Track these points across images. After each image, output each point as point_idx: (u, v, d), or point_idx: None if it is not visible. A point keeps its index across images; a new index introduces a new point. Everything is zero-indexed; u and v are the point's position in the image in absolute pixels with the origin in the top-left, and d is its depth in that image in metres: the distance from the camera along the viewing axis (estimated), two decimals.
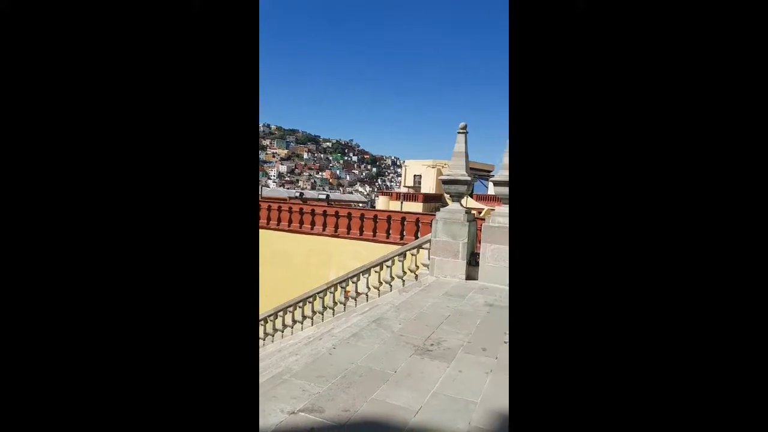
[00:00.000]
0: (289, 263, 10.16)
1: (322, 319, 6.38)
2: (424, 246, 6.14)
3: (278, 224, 10.55)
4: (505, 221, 5.57)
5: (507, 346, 3.47)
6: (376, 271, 6.15)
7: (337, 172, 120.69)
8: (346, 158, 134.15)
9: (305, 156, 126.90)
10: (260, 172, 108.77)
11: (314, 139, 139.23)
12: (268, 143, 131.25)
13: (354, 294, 6.23)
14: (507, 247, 5.37)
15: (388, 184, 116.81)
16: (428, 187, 29.44)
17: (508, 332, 3.78)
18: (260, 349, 6.57)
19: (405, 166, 33.44)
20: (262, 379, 3.77)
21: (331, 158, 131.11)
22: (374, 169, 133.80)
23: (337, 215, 10.06)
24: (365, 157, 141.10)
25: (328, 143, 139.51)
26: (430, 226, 6.08)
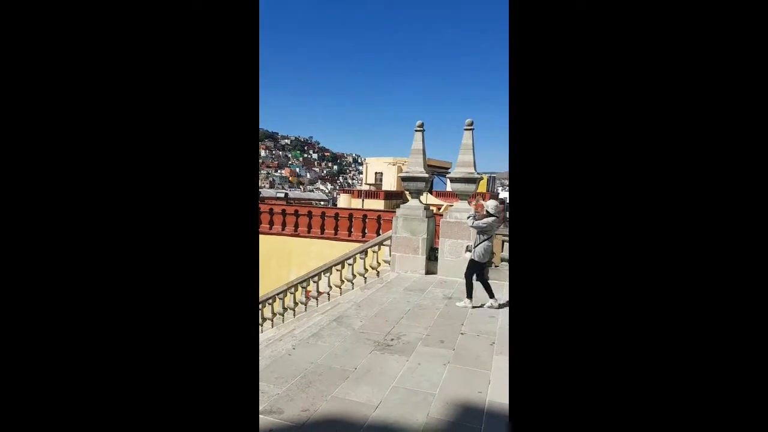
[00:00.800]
0: None
1: (283, 321, 6.27)
2: (385, 243, 6.19)
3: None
4: (462, 216, 5.73)
5: (463, 336, 3.58)
6: (337, 270, 6.12)
7: (297, 169, 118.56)
8: (305, 155, 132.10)
9: (263, 153, 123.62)
10: None
11: (272, 136, 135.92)
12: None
13: (315, 294, 6.17)
14: (464, 242, 5.53)
15: (350, 181, 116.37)
16: (389, 184, 29.63)
17: (463, 324, 3.91)
18: None
19: (366, 163, 33.41)
20: None
21: (290, 156, 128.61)
22: (335, 167, 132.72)
23: (296, 214, 9.91)
24: (326, 154, 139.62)
25: (286, 140, 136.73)
26: (392, 223, 6.14)
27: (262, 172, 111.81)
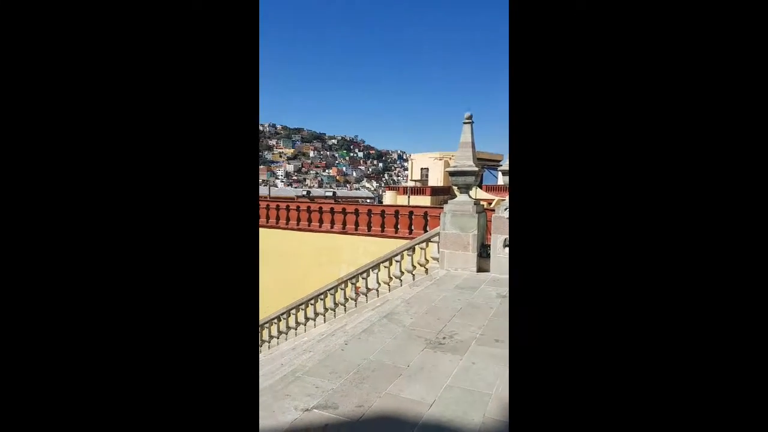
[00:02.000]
0: (299, 261, 10.21)
1: (335, 316, 6.40)
2: (433, 239, 6.11)
3: (287, 223, 10.60)
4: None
5: None
6: (385, 267, 6.14)
7: (343, 168, 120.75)
8: (351, 154, 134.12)
9: (311, 154, 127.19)
10: (268, 172, 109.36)
11: (320, 137, 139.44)
12: (274, 143, 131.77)
13: (365, 290, 6.23)
14: None
15: (395, 178, 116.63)
16: (436, 180, 29.30)
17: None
18: (274, 347, 6.63)
19: (411, 159, 33.23)
20: (276, 377, 3.80)
21: (336, 155, 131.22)
22: (380, 165, 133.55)
23: (344, 212, 10.07)
24: (371, 152, 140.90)
25: (333, 140, 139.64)
26: (439, 219, 6.05)
27: (311, 172, 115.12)
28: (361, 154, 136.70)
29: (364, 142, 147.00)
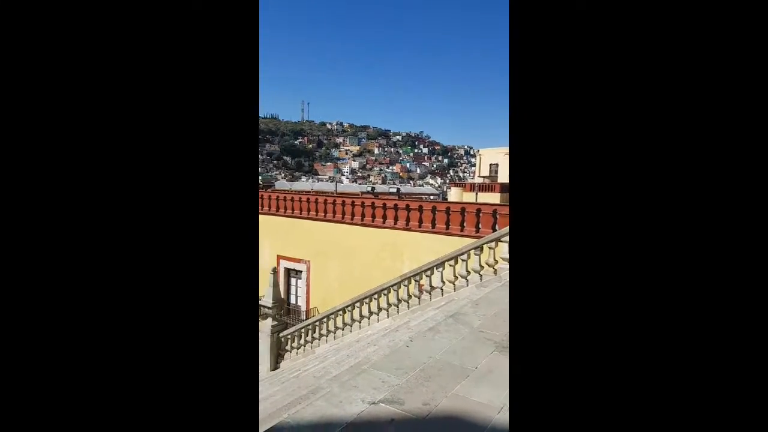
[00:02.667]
0: (362, 256, 10.43)
1: (398, 312, 6.45)
2: (503, 239, 5.88)
3: (352, 218, 10.87)
4: None
5: None
6: (450, 265, 6.04)
7: (407, 165, 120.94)
8: (416, 151, 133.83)
9: (376, 151, 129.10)
10: (334, 169, 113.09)
11: (384, 134, 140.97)
12: (341, 141, 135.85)
13: (428, 288, 6.19)
14: None
15: (461, 174, 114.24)
16: (506, 176, 28.19)
17: None
18: (338, 339, 6.85)
19: (479, 155, 32.16)
20: (342, 368, 3.91)
21: (401, 152, 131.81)
22: (446, 160, 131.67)
23: (408, 208, 10.08)
24: (436, 148, 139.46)
25: (398, 137, 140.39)
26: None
27: (375, 169, 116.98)
28: (425, 150, 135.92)
29: (429, 137, 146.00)
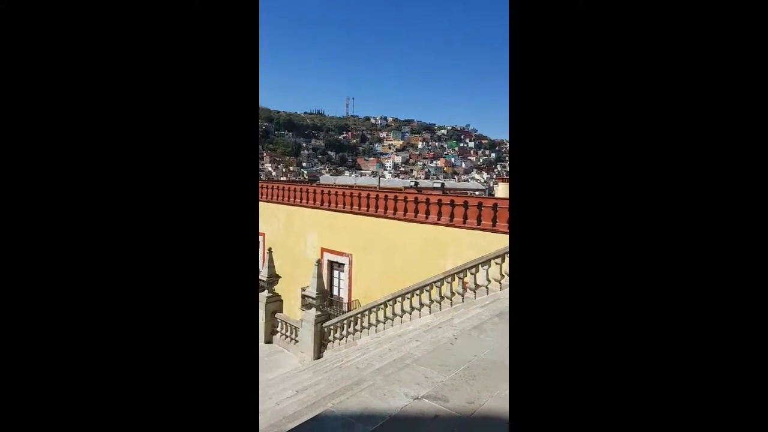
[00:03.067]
0: (405, 251, 10.44)
1: (440, 308, 6.40)
2: None
3: (394, 213, 10.90)
4: None
5: None
6: (497, 263, 5.89)
7: (452, 159, 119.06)
8: (461, 145, 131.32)
9: (419, 145, 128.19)
10: (377, 164, 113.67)
11: (429, 128, 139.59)
12: (384, 135, 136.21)
13: (473, 286, 6.08)
14: None
15: (509, 169, 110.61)
16: None
17: None
18: (380, 332, 6.92)
19: None
20: (385, 361, 3.95)
21: (445, 146, 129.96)
22: (493, 155, 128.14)
23: (452, 204, 9.93)
24: (483, 142, 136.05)
25: (443, 131, 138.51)
26: None
27: (418, 163, 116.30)
28: (471, 144, 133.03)
29: (476, 131, 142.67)
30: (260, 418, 3.74)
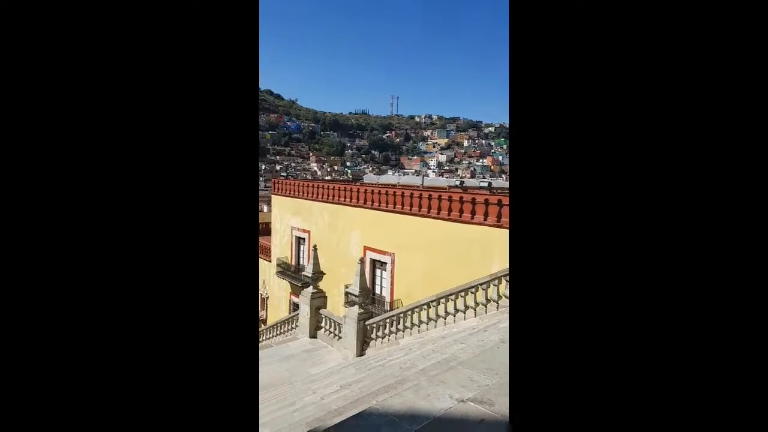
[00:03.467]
0: (448, 252, 10.30)
1: (486, 312, 6.26)
2: None
3: (438, 213, 10.78)
4: None
5: None
6: None
7: (500, 158, 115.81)
8: None
9: (465, 143, 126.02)
10: (420, 163, 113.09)
11: (475, 126, 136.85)
12: (429, 134, 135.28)
13: None
14: None
15: None
16: None
17: None
18: (423, 333, 6.89)
19: None
20: (429, 362, 3.92)
21: (492, 144, 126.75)
22: None
23: (500, 204, 9.66)
24: None
25: (490, 128, 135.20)
26: None
27: (463, 162, 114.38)
28: None
29: None
30: (305, 411, 3.85)
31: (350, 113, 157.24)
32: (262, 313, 17.69)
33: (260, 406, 4.75)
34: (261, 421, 3.85)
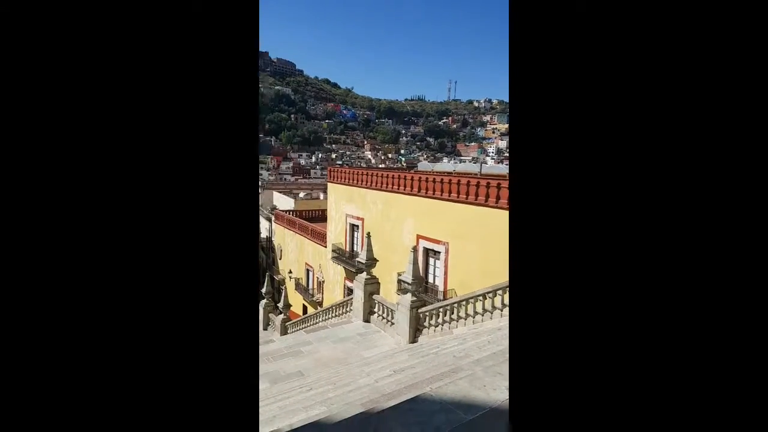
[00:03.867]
0: (505, 242, 9.97)
1: None
2: None
3: (496, 201, 10.45)
4: None
5: None
6: None
7: None
8: None
9: None
10: (478, 149, 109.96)
11: None
12: (488, 119, 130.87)
13: None
14: None
15: None
16: None
17: None
18: (477, 324, 6.79)
19: None
20: (484, 353, 3.87)
21: None
22: None
23: None
24: None
25: None
26: None
27: None
28: None
29: None
30: (359, 392, 3.98)
31: (406, 99, 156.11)
32: (318, 295, 18.44)
33: (317, 384, 5.01)
34: (317, 399, 4.06)
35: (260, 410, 4.34)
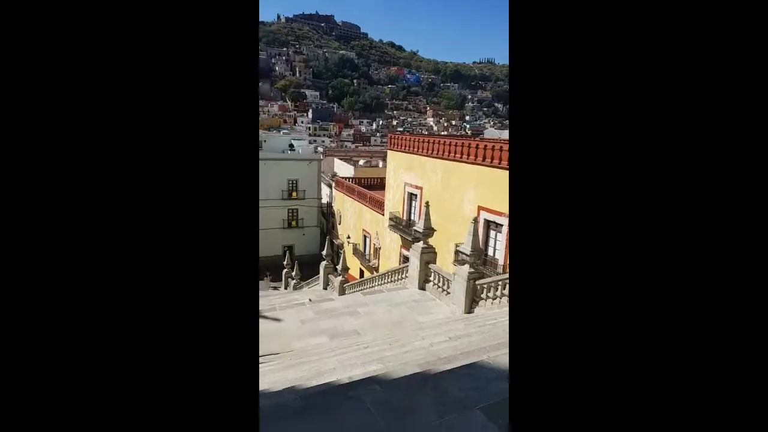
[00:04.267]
0: None
1: None
2: None
3: None
4: None
5: None
6: None
7: None
8: None
9: None
10: None
11: None
12: None
13: None
14: None
15: None
16: None
17: None
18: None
19: None
20: None
21: None
22: None
23: None
24: None
25: None
26: None
27: None
28: None
29: None
30: (415, 353, 4.11)
31: (474, 63, 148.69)
32: (374, 261, 18.98)
33: (373, 343, 5.20)
34: (373, 357, 4.26)
35: (321, 362, 4.61)
